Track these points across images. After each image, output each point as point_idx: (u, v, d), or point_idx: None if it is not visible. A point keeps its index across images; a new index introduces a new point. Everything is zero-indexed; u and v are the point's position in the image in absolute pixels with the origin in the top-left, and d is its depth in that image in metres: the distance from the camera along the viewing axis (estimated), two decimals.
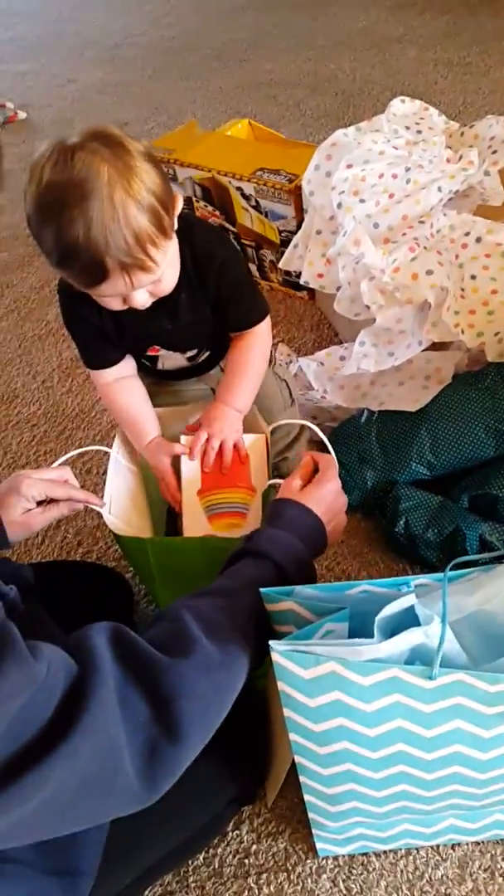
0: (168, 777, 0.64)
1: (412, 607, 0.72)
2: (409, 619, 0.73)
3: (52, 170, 0.78)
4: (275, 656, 0.69)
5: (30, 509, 0.93)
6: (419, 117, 1.46)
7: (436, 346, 1.25)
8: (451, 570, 0.75)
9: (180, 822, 0.86)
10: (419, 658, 0.72)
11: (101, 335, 1.00)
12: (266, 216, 1.68)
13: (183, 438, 1.03)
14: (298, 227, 1.61)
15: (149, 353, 1.06)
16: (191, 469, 1.01)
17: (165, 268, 0.86)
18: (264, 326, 1.04)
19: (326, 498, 0.87)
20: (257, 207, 1.68)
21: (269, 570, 0.77)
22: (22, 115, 2.97)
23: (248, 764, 0.95)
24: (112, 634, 0.65)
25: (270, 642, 0.68)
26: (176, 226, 0.87)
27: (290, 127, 2.43)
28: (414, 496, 1.17)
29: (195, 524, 1.00)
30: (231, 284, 0.98)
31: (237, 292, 0.99)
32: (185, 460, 1.01)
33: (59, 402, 1.65)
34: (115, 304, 0.89)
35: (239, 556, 0.80)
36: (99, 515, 0.98)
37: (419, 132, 1.42)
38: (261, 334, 1.04)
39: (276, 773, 0.99)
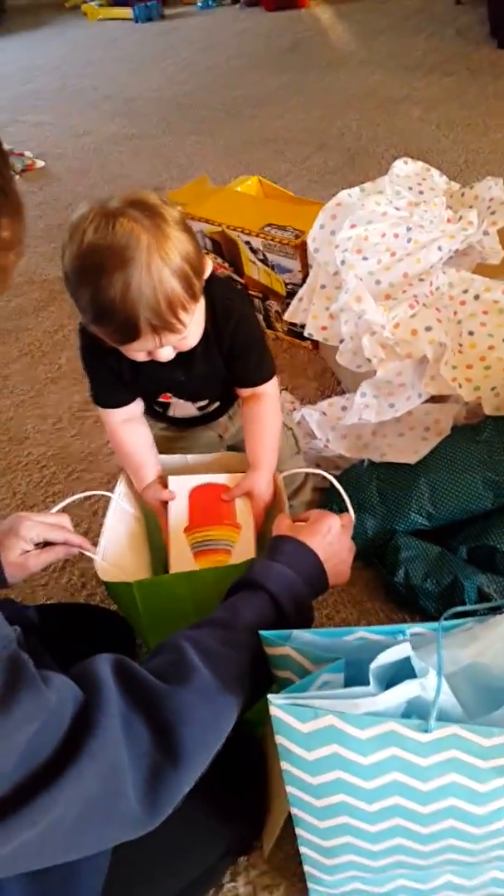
0: (169, 801, 0.65)
1: (408, 658, 0.73)
2: (404, 669, 0.75)
3: (93, 233, 0.83)
4: (273, 709, 0.70)
5: (27, 551, 0.96)
6: (421, 178, 1.52)
7: (435, 399, 1.28)
8: (446, 620, 0.77)
9: (175, 871, 0.86)
10: (415, 711, 0.73)
11: (117, 377, 1.04)
12: (273, 269, 1.73)
13: (171, 480, 1.07)
14: (303, 280, 1.66)
15: (161, 400, 1.10)
16: (178, 508, 1.05)
17: (192, 326, 0.91)
18: (272, 386, 1.08)
19: (321, 532, 0.88)
20: (265, 261, 1.74)
21: (264, 600, 0.79)
22: (40, 163, 3.07)
23: (246, 814, 0.95)
24: (115, 664, 0.68)
25: (269, 696, 0.69)
26: (203, 283, 0.92)
27: (297, 182, 2.51)
28: (413, 546, 1.18)
29: (181, 561, 1.02)
30: (245, 340, 1.03)
31: (250, 348, 1.04)
32: (174, 492, 1.05)
33: (68, 444, 1.68)
34: (140, 357, 0.94)
35: (236, 588, 0.81)
36: None
37: (420, 192, 1.48)
38: (272, 396, 1.08)
39: (273, 823, 0.99)
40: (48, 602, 1.33)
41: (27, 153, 3.10)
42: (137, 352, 0.92)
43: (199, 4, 5.01)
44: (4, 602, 0.99)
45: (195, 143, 2.94)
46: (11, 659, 0.58)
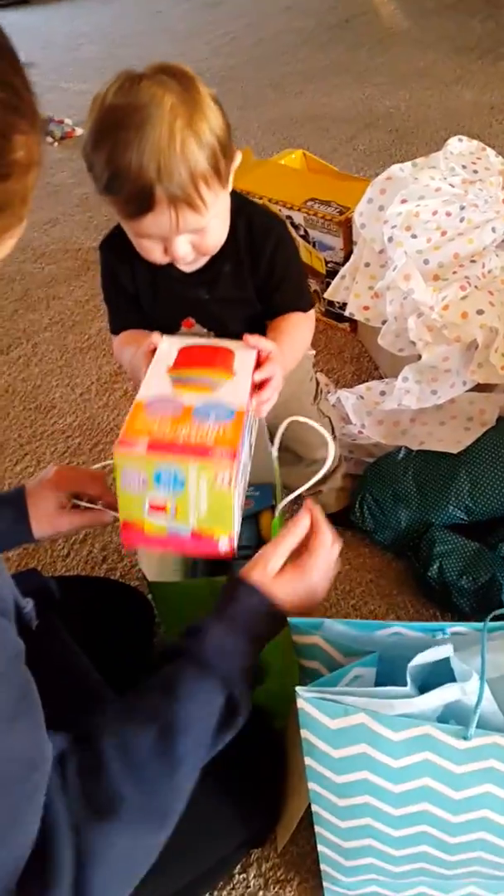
0: None
1: (447, 658, 0.69)
2: (442, 670, 0.70)
3: (114, 95, 0.77)
4: (300, 702, 0.66)
5: (63, 506, 0.91)
6: (476, 157, 1.45)
7: (480, 388, 1.22)
8: (490, 621, 0.72)
9: (189, 861, 0.83)
10: (453, 715, 0.68)
11: (133, 303, 0.97)
12: (314, 246, 1.68)
13: (164, 338, 0.87)
14: (346, 259, 1.60)
15: (183, 328, 1.01)
16: (164, 352, 0.85)
17: (213, 218, 0.83)
18: (310, 316, 0.99)
19: (305, 583, 0.74)
20: (305, 237, 1.68)
21: (213, 692, 0.65)
22: (79, 131, 3.02)
23: (262, 807, 0.92)
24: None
25: (297, 688, 0.65)
26: (231, 178, 0.85)
27: (342, 161, 2.44)
28: (449, 540, 1.13)
29: (155, 387, 0.80)
30: (286, 264, 0.95)
31: (291, 273, 0.96)
32: (162, 343, 0.86)
33: (95, 415, 1.65)
34: (156, 253, 0.85)
35: (178, 653, 0.68)
36: None
37: (475, 171, 1.41)
38: (307, 318, 0.99)
39: (290, 817, 0.95)
40: (67, 574, 1.30)
41: (67, 120, 3.05)
42: (152, 244, 0.84)
43: None
44: (29, 573, 0.96)
45: (239, 117, 2.86)
46: None
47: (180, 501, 0.71)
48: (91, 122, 0.79)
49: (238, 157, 0.86)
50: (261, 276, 0.95)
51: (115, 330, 1.02)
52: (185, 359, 0.84)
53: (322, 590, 0.76)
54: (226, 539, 0.73)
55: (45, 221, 2.40)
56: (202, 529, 0.72)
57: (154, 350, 0.84)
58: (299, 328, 0.97)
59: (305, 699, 0.66)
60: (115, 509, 0.88)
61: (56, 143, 2.96)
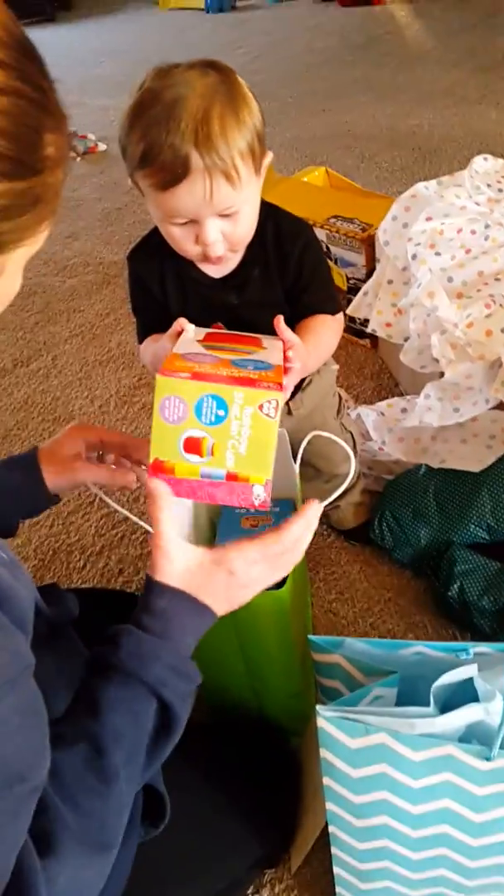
0: None
1: (470, 678, 0.68)
2: (465, 690, 0.69)
3: (151, 80, 0.78)
4: (320, 721, 0.65)
5: (80, 456, 0.85)
6: (501, 175, 1.45)
7: (503, 406, 1.21)
8: None
9: (201, 882, 0.81)
10: (475, 736, 0.67)
11: (163, 311, 0.96)
12: (336, 262, 1.68)
13: (189, 326, 0.83)
14: (367, 275, 1.60)
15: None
16: (192, 333, 0.82)
17: (245, 204, 0.83)
18: (338, 319, 0.99)
19: (235, 581, 0.67)
20: (328, 253, 1.68)
21: (141, 699, 0.60)
22: (102, 146, 3.06)
23: (276, 826, 0.91)
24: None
25: (317, 707, 0.65)
26: (263, 175, 0.85)
27: (365, 178, 2.45)
28: (471, 560, 1.12)
29: (187, 348, 0.76)
30: (314, 267, 0.95)
31: (319, 277, 0.96)
32: (188, 326, 0.82)
33: (113, 427, 1.65)
34: (188, 243, 0.85)
35: (98, 663, 0.62)
36: (142, 543, 0.95)
37: (500, 190, 1.41)
38: (335, 321, 0.98)
39: (305, 837, 0.94)
40: (84, 587, 1.30)
41: (90, 136, 3.09)
42: (184, 226, 0.83)
43: None
44: (50, 588, 0.95)
45: None
46: None
47: (219, 437, 0.67)
48: (127, 109, 0.80)
49: (270, 156, 0.86)
50: (290, 277, 0.95)
51: (143, 338, 1.02)
52: (214, 338, 0.81)
53: (257, 590, 0.68)
54: (261, 487, 0.68)
55: (66, 235, 2.42)
56: (238, 472, 0.68)
57: (181, 332, 0.82)
58: (326, 329, 0.96)
59: (326, 718, 0.65)
60: (132, 480, 0.86)
61: (79, 159, 2.99)
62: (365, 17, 4.27)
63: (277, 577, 0.69)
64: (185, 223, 0.84)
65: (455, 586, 1.10)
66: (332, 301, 0.99)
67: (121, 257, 2.26)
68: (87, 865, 0.55)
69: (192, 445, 0.67)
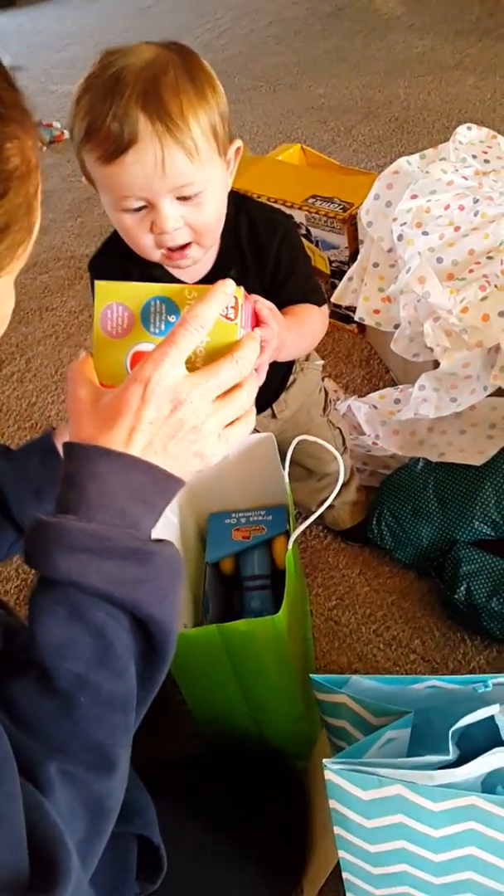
0: None
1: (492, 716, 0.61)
2: (484, 724, 0.62)
3: (101, 58, 0.72)
4: (328, 774, 0.58)
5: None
6: (487, 146, 1.37)
7: (503, 392, 1.14)
8: None
9: None
10: (500, 781, 0.61)
11: None
12: (317, 245, 1.60)
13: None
14: (351, 257, 1.52)
15: None
16: None
17: (207, 187, 0.74)
18: (323, 312, 0.92)
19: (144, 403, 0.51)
20: (308, 236, 1.60)
21: (64, 600, 0.48)
22: (68, 134, 2.95)
23: (286, 868, 0.84)
24: None
25: (324, 760, 0.58)
26: (234, 167, 0.79)
27: (342, 153, 2.35)
28: (476, 559, 1.05)
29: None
30: (292, 262, 0.88)
31: (298, 271, 0.90)
32: None
33: None
34: (141, 231, 0.75)
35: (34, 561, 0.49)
36: None
37: (486, 161, 1.32)
38: (320, 312, 0.91)
39: (317, 872, 0.88)
40: None
41: (56, 124, 2.97)
42: (136, 213, 0.74)
43: None
44: None
45: (233, 111, 2.74)
46: None
47: None
48: (76, 91, 0.73)
49: (238, 143, 0.79)
50: (268, 274, 0.88)
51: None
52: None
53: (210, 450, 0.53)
54: None
55: None
56: None
57: None
58: (310, 317, 0.89)
59: (334, 771, 0.58)
60: None
61: (45, 148, 2.87)
62: None
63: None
64: (139, 209, 0.74)
65: (461, 588, 1.04)
66: (315, 293, 0.92)
67: (91, 250, 2.14)
68: (89, 785, 0.48)
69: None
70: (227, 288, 0.54)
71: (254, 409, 0.57)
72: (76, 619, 0.47)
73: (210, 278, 0.83)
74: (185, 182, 0.72)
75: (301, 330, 0.86)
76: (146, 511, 0.50)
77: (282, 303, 0.88)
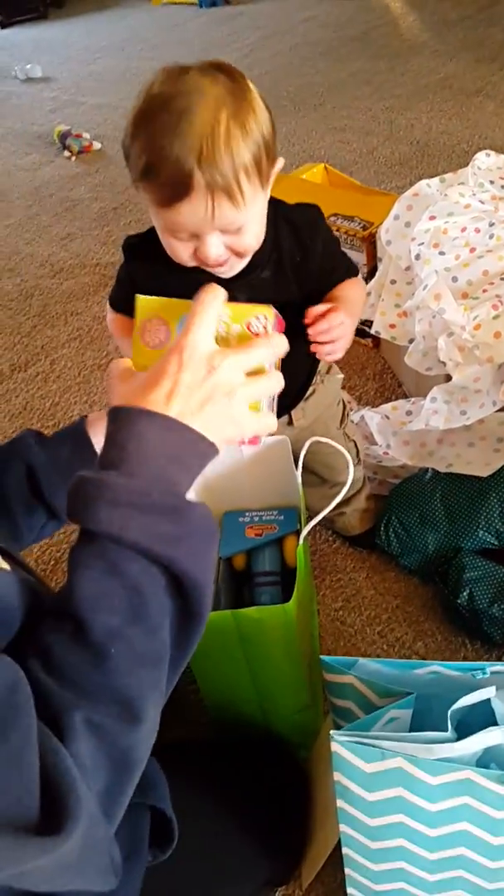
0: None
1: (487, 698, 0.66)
2: (481, 710, 0.67)
3: (160, 84, 0.75)
4: (334, 746, 0.63)
5: None
6: None
7: None
8: None
9: None
10: (494, 759, 0.65)
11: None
12: None
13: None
14: (370, 274, 1.57)
15: None
16: None
17: (250, 220, 0.80)
18: (360, 280, 1.01)
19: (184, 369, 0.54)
20: None
21: (106, 554, 0.49)
22: (97, 145, 3.02)
23: (287, 845, 0.89)
24: None
25: (331, 732, 0.63)
26: (271, 183, 0.83)
27: (363, 173, 2.42)
28: (480, 566, 1.10)
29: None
30: (331, 247, 0.96)
31: (336, 253, 0.98)
32: None
33: None
34: (185, 252, 0.81)
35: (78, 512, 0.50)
36: None
37: (503, 187, 1.38)
38: (358, 282, 1.00)
39: (316, 852, 0.92)
40: None
41: (85, 134, 3.05)
42: (182, 245, 0.80)
43: None
44: None
45: None
46: None
47: None
48: (133, 112, 0.77)
49: (280, 162, 0.84)
50: (315, 268, 0.94)
51: (114, 304, 1.00)
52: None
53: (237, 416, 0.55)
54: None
55: (62, 237, 2.39)
56: None
57: None
58: (355, 291, 0.98)
59: (340, 742, 0.63)
60: None
61: (74, 158, 2.96)
62: (359, 8, 4.22)
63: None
64: (187, 237, 0.81)
65: (464, 594, 1.08)
66: (351, 266, 1.00)
67: (118, 258, 2.21)
68: (114, 736, 0.49)
69: None
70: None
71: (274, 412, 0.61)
72: (113, 573, 0.48)
73: (242, 277, 0.88)
74: (230, 223, 0.79)
75: (354, 309, 0.95)
76: (183, 471, 0.52)
77: (332, 283, 0.97)
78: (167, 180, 0.74)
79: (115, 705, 0.49)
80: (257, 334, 0.60)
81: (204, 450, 0.53)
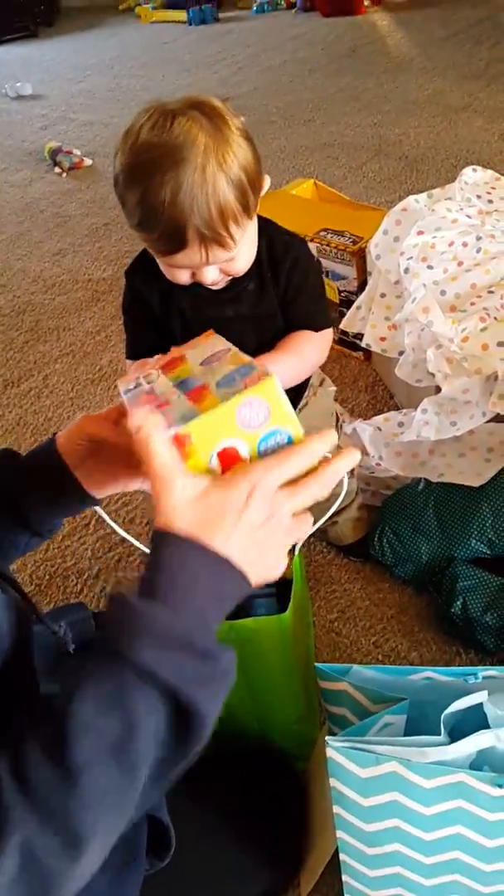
0: None
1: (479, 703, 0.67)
2: (474, 714, 0.68)
3: (149, 132, 0.79)
4: (329, 752, 0.64)
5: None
6: (490, 186, 1.45)
7: (500, 419, 1.21)
8: None
9: None
10: (487, 762, 0.67)
11: (156, 328, 0.99)
12: (327, 276, 1.68)
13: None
14: (359, 288, 1.59)
15: None
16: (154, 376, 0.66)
17: (242, 246, 0.86)
18: (323, 335, 1.00)
19: (248, 511, 0.52)
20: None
21: (118, 678, 0.47)
22: (88, 161, 3.05)
23: (285, 853, 0.89)
24: None
25: (327, 738, 0.64)
26: (258, 207, 0.87)
27: (352, 189, 2.45)
28: (473, 575, 1.11)
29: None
30: (302, 282, 0.97)
31: (306, 291, 0.98)
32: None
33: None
34: (183, 277, 0.88)
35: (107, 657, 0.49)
36: (140, 565, 0.94)
37: (490, 202, 1.41)
38: (320, 337, 0.99)
39: (314, 862, 0.93)
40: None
41: (76, 151, 3.08)
42: (181, 270, 0.87)
43: (254, 9, 4.98)
44: (75, 606, 0.92)
45: None
46: None
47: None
48: (123, 158, 0.81)
49: (267, 182, 0.88)
50: (281, 291, 0.97)
51: (133, 355, 1.02)
52: (174, 363, 0.64)
53: (284, 532, 0.54)
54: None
55: (54, 252, 2.41)
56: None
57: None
58: (306, 344, 0.98)
59: (335, 748, 0.64)
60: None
61: (65, 174, 2.99)
62: (347, 26, 4.28)
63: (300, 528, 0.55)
64: (185, 269, 0.88)
65: (458, 603, 1.10)
66: (319, 316, 1.00)
67: (109, 274, 2.25)
68: (47, 854, 0.46)
69: (228, 457, 0.54)
70: (354, 454, 0.56)
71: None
72: (117, 703, 0.47)
73: (231, 289, 0.93)
74: (224, 260, 0.85)
75: (292, 363, 0.95)
76: (222, 612, 0.52)
77: (288, 321, 0.98)
78: (162, 235, 0.81)
79: (63, 833, 0.46)
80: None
81: (245, 590, 0.52)
